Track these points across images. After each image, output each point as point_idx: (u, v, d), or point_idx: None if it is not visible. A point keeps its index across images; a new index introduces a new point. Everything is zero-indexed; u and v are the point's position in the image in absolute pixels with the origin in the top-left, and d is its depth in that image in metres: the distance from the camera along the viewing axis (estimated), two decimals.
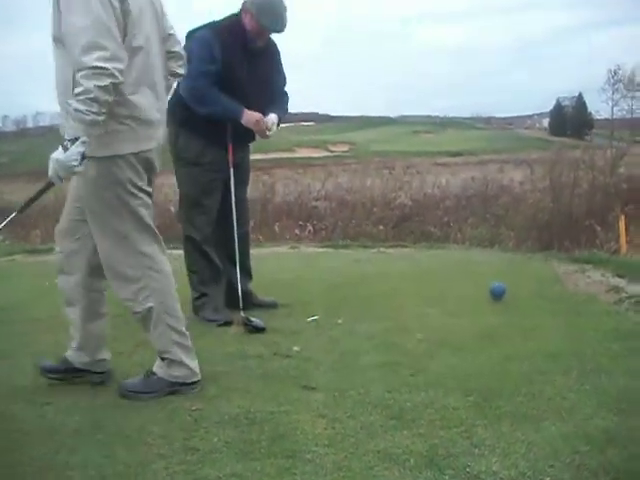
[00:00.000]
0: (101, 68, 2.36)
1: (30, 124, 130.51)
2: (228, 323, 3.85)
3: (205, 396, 2.72)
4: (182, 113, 3.83)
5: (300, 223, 11.45)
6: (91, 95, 2.34)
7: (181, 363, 2.76)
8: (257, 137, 4.08)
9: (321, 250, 7.04)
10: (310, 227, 11.63)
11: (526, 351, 3.17)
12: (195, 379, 2.79)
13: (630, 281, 4.70)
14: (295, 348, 3.33)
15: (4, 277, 5.86)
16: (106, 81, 2.37)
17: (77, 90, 2.37)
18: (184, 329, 2.82)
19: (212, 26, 3.92)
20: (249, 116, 3.83)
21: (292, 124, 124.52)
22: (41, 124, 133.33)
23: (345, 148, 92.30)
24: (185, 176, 4.01)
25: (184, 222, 4.11)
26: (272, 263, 5.86)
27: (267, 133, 3.92)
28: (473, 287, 4.65)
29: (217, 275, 4.04)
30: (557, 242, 9.38)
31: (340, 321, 3.84)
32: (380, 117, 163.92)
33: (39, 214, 14.41)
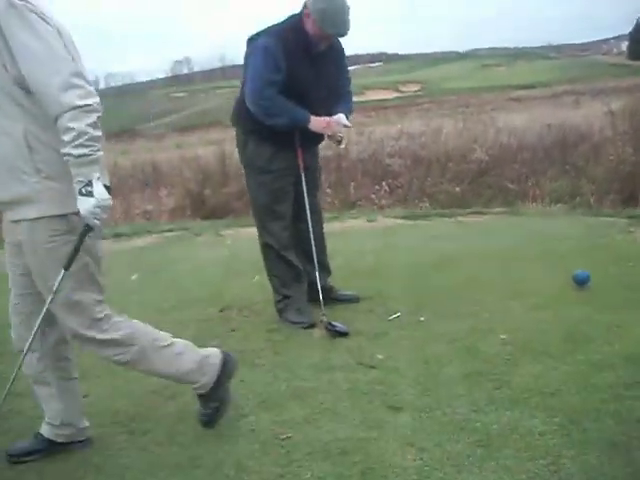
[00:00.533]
0: (85, 105, 2.25)
1: (102, 85, 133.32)
2: (312, 325, 3.93)
3: (295, 420, 2.81)
4: (249, 121, 3.87)
5: (376, 186, 11.41)
6: (87, 136, 2.24)
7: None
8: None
9: (399, 222, 7.04)
10: (386, 186, 11.59)
11: (611, 356, 3.14)
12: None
13: None
14: (379, 356, 3.39)
15: None
16: (94, 117, 2.27)
17: (69, 136, 2.24)
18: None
19: (274, 32, 3.82)
20: (316, 122, 3.82)
21: (359, 66, 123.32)
22: (112, 85, 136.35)
23: (416, 87, 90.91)
24: (256, 184, 4.03)
25: (259, 229, 4.14)
26: (350, 244, 5.91)
27: (338, 135, 3.91)
28: (554, 271, 4.60)
29: (298, 276, 4.11)
30: None
31: (422, 318, 3.88)
32: (449, 52, 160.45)
33: (116, 184, 14.89)
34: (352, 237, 6.33)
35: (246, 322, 4.16)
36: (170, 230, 7.91)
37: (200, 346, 2.84)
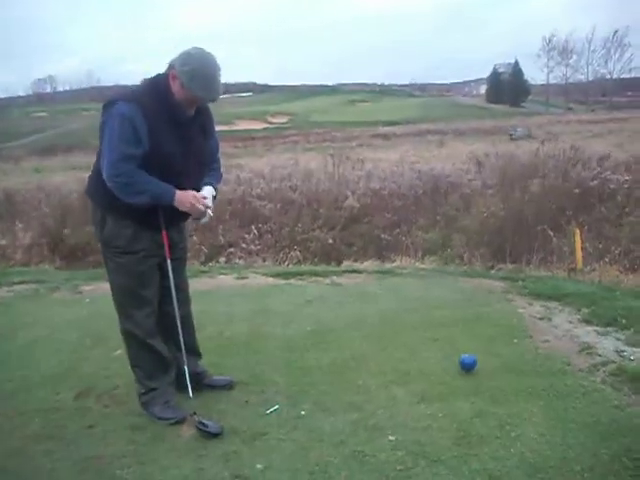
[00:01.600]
0: None
1: None
2: (180, 421, 3.50)
3: None
4: (106, 197, 3.35)
5: (245, 230, 11.08)
6: None
7: None
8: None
9: (271, 280, 6.72)
10: (255, 230, 11.31)
11: (507, 464, 2.94)
12: None
13: (600, 333, 4.56)
14: (258, 466, 3.02)
15: None
16: None
17: None
18: None
19: (132, 97, 3.31)
20: (182, 197, 3.37)
21: (229, 95, 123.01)
22: None
23: (284, 119, 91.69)
24: (116, 265, 3.51)
25: (120, 315, 3.61)
26: (221, 307, 5.54)
27: (206, 213, 3.49)
28: (437, 346, 4.43)
29: (165, 366, 3.67)
30: (510, 248, 9.28)
31: (303, 412, 3.55)
32: (318, 85, 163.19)
33: None
34: (222, 298, 5.94)
35: (106, 415, 3.66)
36: (22, 282, 7.20)
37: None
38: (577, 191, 9.98)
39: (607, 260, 7.88)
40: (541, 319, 4.98)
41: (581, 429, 3.22)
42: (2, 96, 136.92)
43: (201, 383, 3.84)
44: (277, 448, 3.19)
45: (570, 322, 4.86)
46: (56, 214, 12.40)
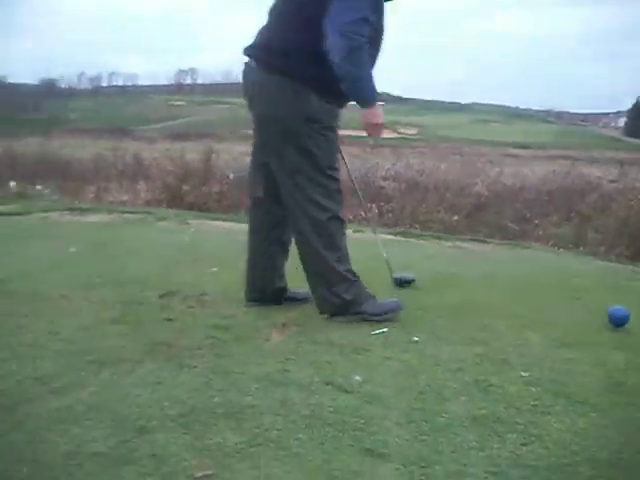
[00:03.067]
0: None
1: (104, 83, 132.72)
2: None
3: (222, 450, 1.86)
4: (311, 64, 2.95)
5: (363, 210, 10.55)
6: None
7: None
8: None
9: (390, 237, 6.12)
10: (375, 208, 10.74)
11: None
12: None
13: None
14: (356, 377, 2.44)
15: (26, 237, 5.14)
16: None
17: None
18: None
19: None
20: (376, 110, 3.08)
21: None
22: (114, 83, 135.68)
23: (414, 131, 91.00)
24: (325, 141, 3.10)
25: (324, 198, 3.12)
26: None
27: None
28: (579, 306, 3.71)
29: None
30: None
31: (416, 339, 2.94)
32: (450, 102, 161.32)
33: (94, 170, 14.08)
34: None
35: (188, 313, 3.21)
36: (132, 212, 6.99)
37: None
38: None
39: None
40: None
41: None
42: (147, 83, 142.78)
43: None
44: (381, 365, 2.61)
45: None
46: (178, 173, 12.34)
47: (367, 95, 3.04)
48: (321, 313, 3.19)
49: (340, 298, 3.13)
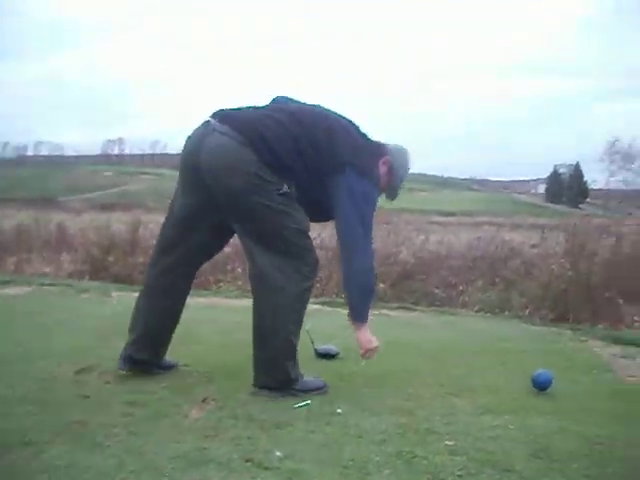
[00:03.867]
0: None
1: (30, 152, 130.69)
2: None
3: None
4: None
5: None
6: None
7: None
8: None
9: (316, 307, 6.07)
10: None
11: None
12: None
13: None
14: (277, 453, 2.36)
15: None
16: None
17: None
18: None
19: (376, 180, 3.21)
20: (370, 336, 3.25)
21: None
22: (41, 153, 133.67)
23: None
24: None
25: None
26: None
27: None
28: (504, 371, 3.73)
29: None
30: (573, 314, 8.50)
31: (339, 410, 2.88)
32: None
33: (16, 241, 13.68)
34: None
35: (105, 389, 3.08)
36: (53, 285, 6.79)
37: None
38: None
39: None
40: (623, 357, 4.25)
41: None
42: (74, 154, 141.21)
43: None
44: (304, 439, 2.53)
45: None
46: (103, 243, 12.09)
47: (367, 313, 3.19)
48: (256, 386, 3.10)
49: (286, 374, 3.08)
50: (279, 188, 2.98)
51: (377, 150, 3.27)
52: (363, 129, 3.30)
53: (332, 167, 3.04)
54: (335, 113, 3.25)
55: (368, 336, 3.19)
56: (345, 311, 5.59)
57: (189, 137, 3.15)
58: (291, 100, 3.37)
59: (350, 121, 3.27)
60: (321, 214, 3.16)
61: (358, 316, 3.17)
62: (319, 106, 3.28)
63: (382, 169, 3.24)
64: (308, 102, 3.34)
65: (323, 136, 3.05)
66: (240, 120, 3.05)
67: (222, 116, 3.08)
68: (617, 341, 4.81)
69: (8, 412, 2.70)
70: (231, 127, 2.99)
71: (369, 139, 3.30)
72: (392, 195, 3.40)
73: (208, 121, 3.08)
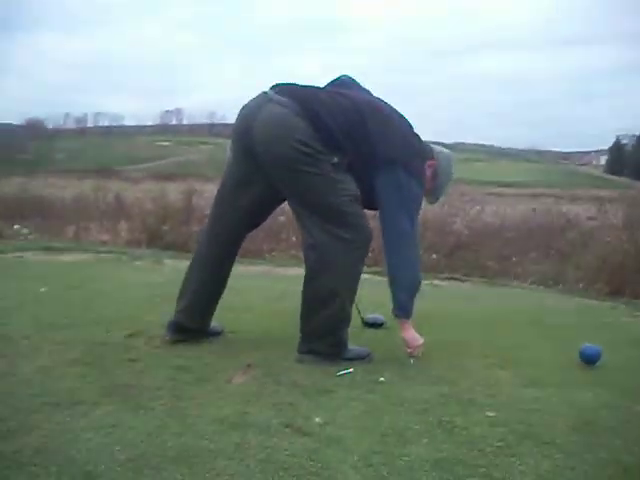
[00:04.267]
0: None
1: (90, 123, 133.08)
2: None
3: None
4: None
5: None
6: None
7: None
8: None
9: (367, 276, 6.06)
10: None
11: None
12: None
13: None
14: (317, 419, 2.38)
15: None
16: None
17: None
18: None
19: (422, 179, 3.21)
20: (414, 334, 3.22)
21: None
22: (100, 124, 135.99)
23: None
24: None
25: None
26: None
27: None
28: (552, 344, 3.69)
29: None
30: (630, 288, 8.32)
31: (382, 379, 2.89)
32: (434, 142, 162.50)
33: (75, 210, 14.00)
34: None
35: (152, 354, 3.15)
36: (107, 252, 6.94)
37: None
38: None
39: None
40: None
41: None
42: (132, 124, 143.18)
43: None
44: (344, 406, 2.55)
45: None
46: (159, 213, 12.29)
47: (412, 309, 3.17)
48: (302, 352, 3.14)
49: (338, 339, 3.13)
50: (330, 159, 2.99)
51: (425, 152, 3.27)
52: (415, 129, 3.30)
53: (383, 160, 3.04)
54: (392, 108, 3.24)
55: (413, 333, 3.17)
56: None
57: (245, 106, 3.17)
58: (355, 82, 3.38)
59: (405, 119, 3.26)
60: (366, 201, 3.14)
61: (404, 312, 3.14)
62: (379, 99, 3.27)
63: (428, 172, 3.25)
64: (370, 90, 3.36)
65: (379, 129, 3.05)
66: (299, 93, 3.07)
67: (281, 88, 3.11)
68: None
69: (60, 373, 2.79)
70: (289, 98, 3.01)
71: (420, 140, 3.29)
72: (433, 199, 3.43)
73: (265, 92, 3.10)
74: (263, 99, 3.07)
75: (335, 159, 2.99)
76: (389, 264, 3.12)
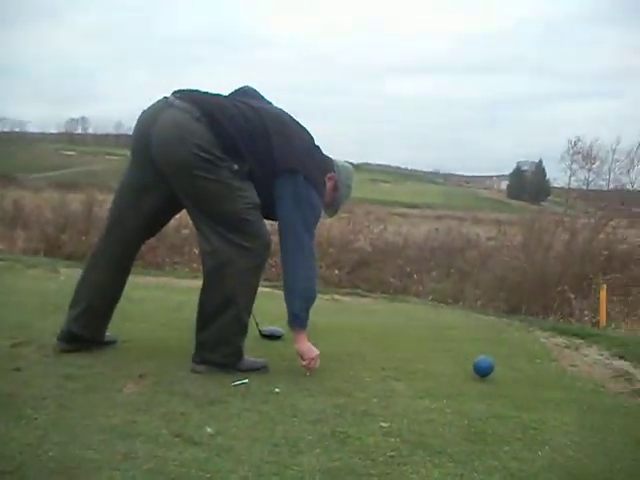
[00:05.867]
0: None
1: None
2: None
3: None
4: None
5: None
6: None
7: None
8: None
9: (267, 290, 6.04)
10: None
11: (533, 465, 2.23)
12: None
13: (637, 366, 3.86)
14: (208, 429, 2.33)
15: None
16: None
17: None
18: None
19: (321, 190, 3.20)
20: (308, 345, 3.19)
21: None
22: (1, 129, 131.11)
23: None
24: None
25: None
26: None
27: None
28: (448, 358, 3.75)
29: None
30: (526, 306, 8.61)
31: (277, 390, 2.86)
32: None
33: None
34: None
35: (40, 362, 3.01)
36: (1, 259, 6.65)
37: None
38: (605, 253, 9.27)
39: (634, 319, 7.20)
40: (567, 347, 4.32)
41: (628, 443, 2.53)
42: (36, 131, 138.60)
43: None
44: (237, 416, 2.50)
45: (601, 355, 4.17)
46: (58, 222, 11.91)
47: (307, 321, 3.16)
48: (196, 362, 3.07)
49: (235, 348, 3.07)
50: (229, 165, 2.95)
51: (326, 165, 3.29)
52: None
53: (284, 170, 3.03)
54: (295, 120, 3.25)
55: (309, 345, 3.15)
56: None
57: (144, 111, 3.11)
58: (257, 93, 3.37)
59: (307, 131, 3.28)
60: (266, 211, 3.11)
61: (299, 324, 3.12)
62: (282, 110, 3.27)
63: (328, 184, 3.26)
64: (272, 102, 3.36)
65: (281, 139, 3.04)
66: (200, 99, 3.03)
67: (183, 94, 3.05)
68: (563, 332, 4.88)
69: None
70: (190, 104, 2.96)
71: (321, 152, 3.30)
72: (332, 211, 3.44)
73: (166, 97, 3.05)
74: (163, 104, 3.02)
75: (235, 166, 2.95)
76: (285, 274, 3.10)
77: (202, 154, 2.89)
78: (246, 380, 2.92)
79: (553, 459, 2.30)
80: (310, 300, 3.12)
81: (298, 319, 3.11)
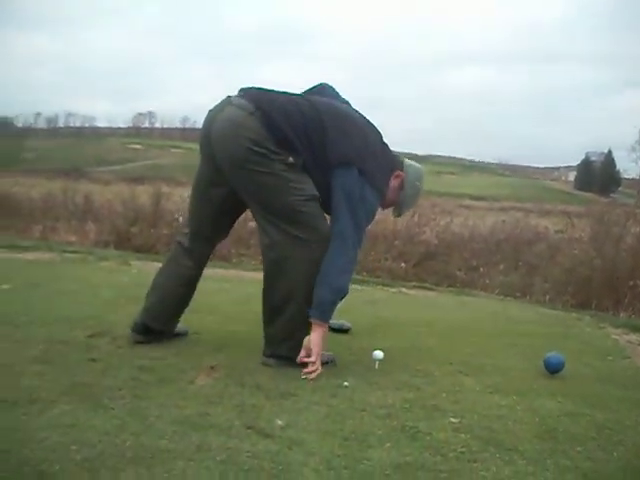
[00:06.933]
0: None
1: (61, 124, 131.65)
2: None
3: None
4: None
5: None
6: None
7: None
8: None
9: None
10: None
11: (608, 466, 2.19)
12: None
13: None
14: (279, 422, 2.36)
15: None
16: None
17: None
18: None
19: (381, 190, 3.17)
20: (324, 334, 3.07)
21: None
22: (71, 124, 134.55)
23: None
24: None
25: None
26: None
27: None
28: (517, 353, 3.71)
29: None
30: (596, 301, 8.41)
31: (346, 384, 2.87)
32: (406, 154, 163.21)
33: (43, 209, 13.80)
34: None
35: (115, 354, 3.10)
36: (73, 252, 6.84)
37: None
38: None
39: None
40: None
41: None
42: (105, 125, 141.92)
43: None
44: (307, 409, 2.52)
45: None
46: (128, 215, 12.18)
47: (331, 315, 3.07)
48: (266, 355, 3.11)
49: (298, 343, 3.02)
50: (283, 159, 2.97)
51: (392, 163, 3.26)
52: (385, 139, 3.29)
53: (336, 162, 3.00)
54: (362, 117, 3.24)
55: (321, 341, 2.98)
56: (361, 287, 5.63)
57: (210, 110, 3.16)
58: (332, 91, 3.38)
59: (374, 128, 3.25)
60: (325, 205, 3.10)
61: (323, 315, 3.00)
62: (348, 107, 3.27)
63: (393, 183, 3.24)
64: (346, 99, 3.36)
65: (335, 133, 3.02)
66: (258, 96, 3.06)
67: (245, 92, 3.09)
68: (637, 329, 4.76)
69: (19, 371, 2.73)
70: (247, 101, 3.00)
71: (388, 150, 3.28)
72: (399, 211, 3.41)
73: (229, 96, 3.10)
74: (224, 102, 3.09)
75: (290, 159, 2.96)
76: (324, 263, 2.98)
77: (255, 148, 2.92)
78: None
79: (628, 460, 2.26)
80: (339, 292, 3.01)
81: (323, 310, 2.99)
